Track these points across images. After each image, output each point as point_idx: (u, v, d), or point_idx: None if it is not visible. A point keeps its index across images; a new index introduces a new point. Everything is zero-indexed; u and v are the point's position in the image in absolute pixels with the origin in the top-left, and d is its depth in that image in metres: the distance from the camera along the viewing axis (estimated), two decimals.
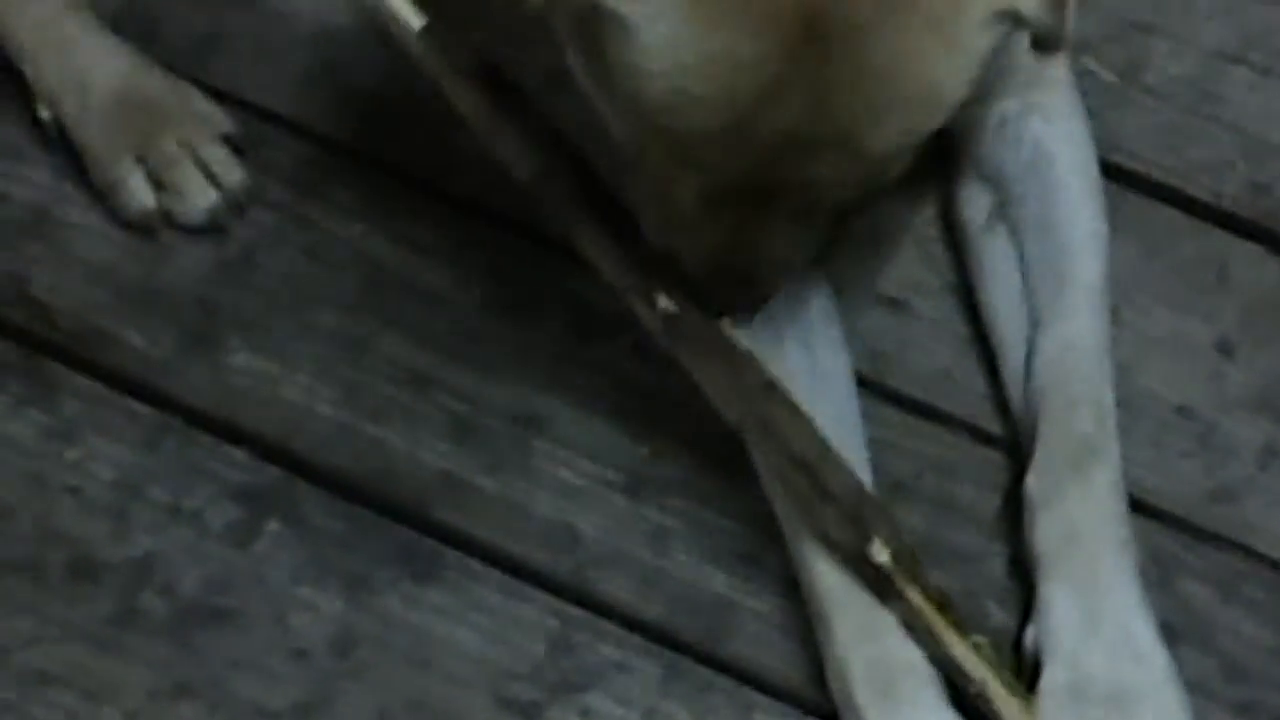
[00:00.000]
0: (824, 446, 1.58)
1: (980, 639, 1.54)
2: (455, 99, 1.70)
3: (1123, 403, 1.60)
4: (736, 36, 1.42)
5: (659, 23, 1.43)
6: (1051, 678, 1.53)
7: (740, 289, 1.60)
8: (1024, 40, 1.56)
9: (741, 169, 1.50)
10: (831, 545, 1.58)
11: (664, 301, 1.58)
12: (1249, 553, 1.61)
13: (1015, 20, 1.44)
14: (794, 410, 1.59)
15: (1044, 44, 1.50)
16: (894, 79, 1.44)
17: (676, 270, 1.60)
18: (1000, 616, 1.58)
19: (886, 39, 1.42)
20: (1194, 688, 1.53)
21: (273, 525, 1.63)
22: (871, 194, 1.55)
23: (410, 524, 1.66)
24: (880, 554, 1.54)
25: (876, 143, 1.46)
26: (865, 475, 1.63)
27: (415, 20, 1.67)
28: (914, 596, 1.56)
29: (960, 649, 1.54)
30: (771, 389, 1.60)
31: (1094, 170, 1.70)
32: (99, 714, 1.56)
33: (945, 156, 1.75)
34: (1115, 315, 1.66)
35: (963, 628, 1.55)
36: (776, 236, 1.57)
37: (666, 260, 1.60)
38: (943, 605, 1.55)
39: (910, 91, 1.45)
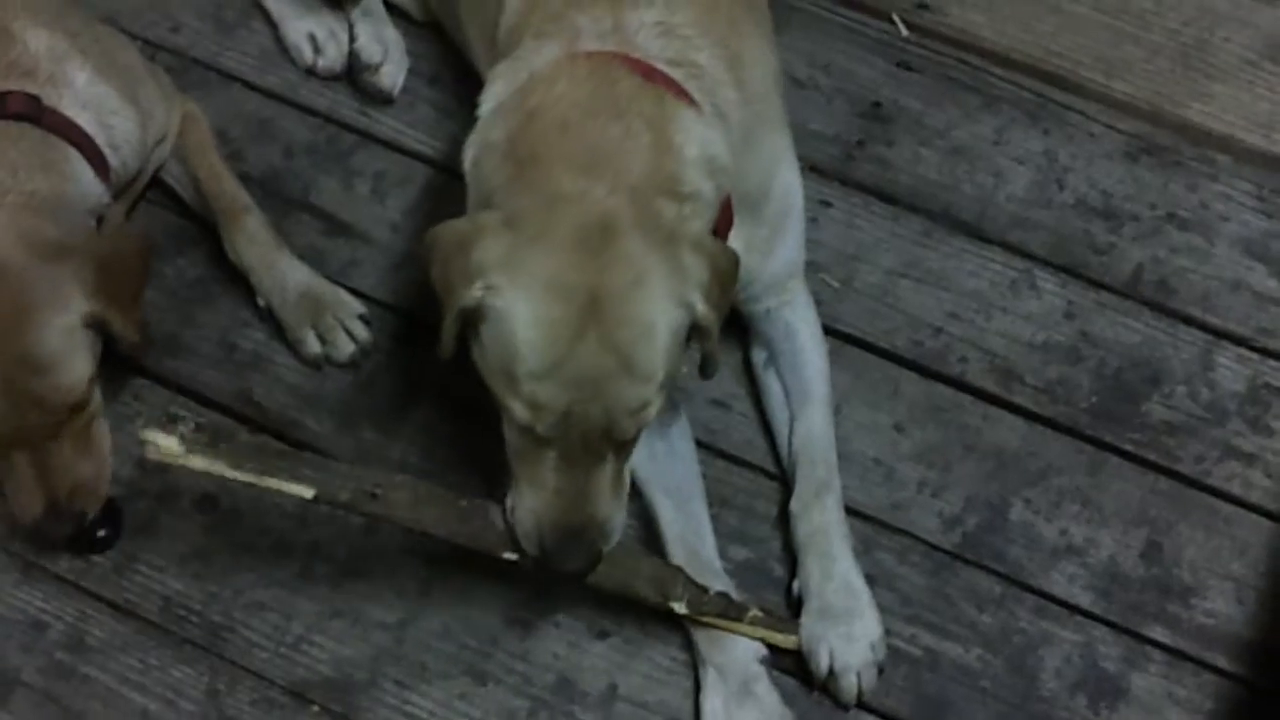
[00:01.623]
0: (638, 565, 2.03)
1: (756, 612, 2.05)
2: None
3: (842, 457, 2.16)
4: (553, 307, 1.78)
5: (513, 306, 1.79)
6: (808, 607, 2.07)
7: (575, 545, 1.89)
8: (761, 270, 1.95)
9: (565, 401, 1.78)
10: (662, 606, 2.07)
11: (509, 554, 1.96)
12: (913, 537, 2.17)
13: (688, 307, 1.83)
14: (628, 560, 2.01)
15: (706, 367, 1.89)
16: (640, 322, 1.81)
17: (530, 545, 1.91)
18: (780, 572, 2.14)
19: (628, 302, 1.78)
20: (882, 610, 2.10)
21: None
22: (644, 427, 1.86)
23: None
24: (680, 608, 2.06)
25: (642, 364, 1.80)
26: (703, 506, 2.11)
27: (306, 491, 1.95)
28: (705, 617, 2.06)
29: (740, 627, 2.04)
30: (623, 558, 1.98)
31: (820, 335, 2.21)
32: (289, 626, 2.13)
33: (744, 331, 2.25)
34: (837, 411, 2.22)
35: (742, 613, 2.04)
36: (600, 481, 1.85)
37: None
38: (725, 611, 2.04)
39: (648, 328, 1.80)
